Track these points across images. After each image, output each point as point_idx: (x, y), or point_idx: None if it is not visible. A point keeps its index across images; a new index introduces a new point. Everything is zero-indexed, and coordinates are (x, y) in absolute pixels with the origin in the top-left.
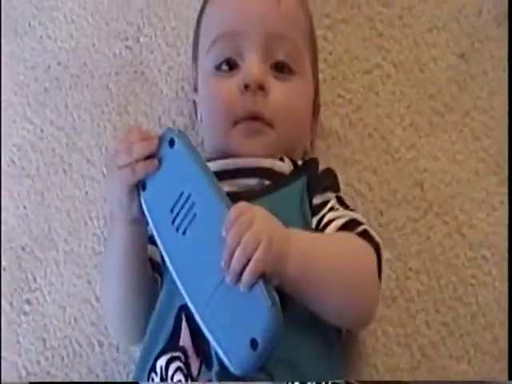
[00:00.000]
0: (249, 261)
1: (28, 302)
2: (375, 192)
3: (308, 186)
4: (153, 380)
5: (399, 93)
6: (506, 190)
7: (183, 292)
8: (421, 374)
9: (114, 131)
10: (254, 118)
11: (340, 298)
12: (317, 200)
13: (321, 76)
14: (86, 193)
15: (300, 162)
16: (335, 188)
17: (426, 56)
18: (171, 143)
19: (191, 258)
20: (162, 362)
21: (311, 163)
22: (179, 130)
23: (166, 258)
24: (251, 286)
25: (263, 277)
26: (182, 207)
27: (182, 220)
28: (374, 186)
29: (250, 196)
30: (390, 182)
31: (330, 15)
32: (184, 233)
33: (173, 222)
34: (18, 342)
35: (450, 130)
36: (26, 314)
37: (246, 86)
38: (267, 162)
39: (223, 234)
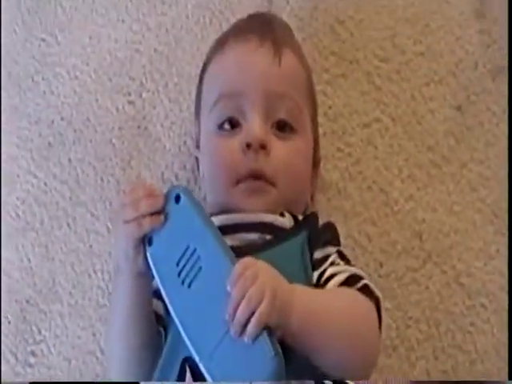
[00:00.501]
0: (253, 313)
1: (33, 353)
2: (375, 243)
3: (309, 241)
4: None
5: (397, 146)
6: (504, 239)
7: (188, 343)
8: None
9: (118, 185)
10: (256, 176)
11: (342, 352)
12: (318, 254)
13: (321, 130)
14: (90, 246)
15: (300, 217)
16: (335, 241)
17: (424, 109)
18: (177, 199)
19: (196, 311)
20: None
21: (311, 218)
22: (184, 187)
23: (171, 310)
24: (255, 338)
25: (267, 328)
26: (187, 261)
27: (188, 273)
28: (374, 238)
29: (251, 250)
30: (390, 233)
31: (329, 70)
32: (189, 286)
33: (178, 275)
34: None
35: (448, 182)
36: (31, 366)
37: (248, 145)
38: (268, 217)
39: (228, 288)
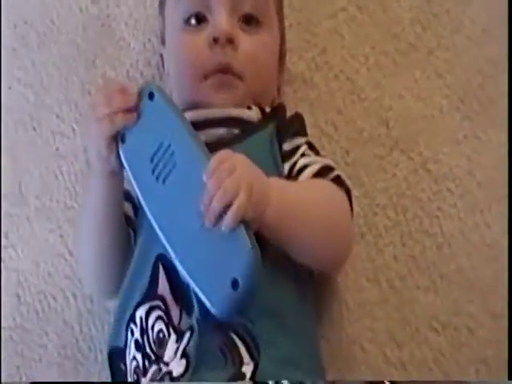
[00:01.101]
0: (228, 206)
1: (1, 259)
2: (341, 132)
3: (277, 132)
4: (132, 331)
5: (364, 34)
6: (471, 124)
7: (162, 239)
8: (390, 306)
9: (83, 86)
10: (224, 70)
11: (317, 241)
12: (287, 146)
13: (286, 22)
14: (57, 149)
15: (268, 109)
16: (303, 132)
17: None
18: (150, 96)
19: (171, 206)
20: (141, 312)
21: (279, 110)
22: (157, 85)
23: (145, 207)
24: (232, 230)
25: (243, 222)
26: (161, 157)
27: (162, 169)
28: (340, 126)
29: (219, 145)
30: (356, 121)
31: None
32: (164, 182)
33: (152, 172)
34: None
35: (414, 69)
36: None
37: (216, 40)
38: (235, 112)
39: (204, 179)
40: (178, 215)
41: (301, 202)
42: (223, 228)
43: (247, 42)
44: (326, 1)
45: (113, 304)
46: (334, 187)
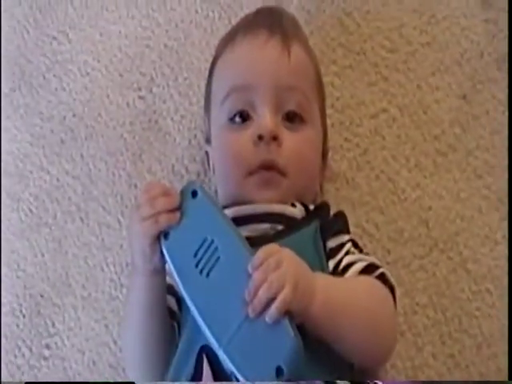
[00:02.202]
0: (273, 299)
1: (48, 346)
2: (383, 231)
3: (321, 230)
4: None
5: (404, 135)
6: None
7: (206, 331)
8: None
9: (129, 179)
10: (268, 167)
11: (361, 337)
12: (331, 243)
13: (329, 121)
14: (103, 240)
15: (311, 207)
16: (347, 230)
17: (430, 99)
18: (194, 194)
19: (214, 299)
20: None
21: (323, 207)
22: (199, 183)
23: (188, 300)
24: (277, 321)
25: (288, 314)
26: (205, 252)
27: (206, 263)
28: (382, 226)
29: (263, 240)
30: (397, 221)
31: (336, 62)
32: (208, 275)
33: (196, 266)
34: None
35: (454, 169)
36: (45, 358)
37: (260, 137)
38: (279, 208)
39: (249, 270)
40: (222, 306)
41: (346, 298)
42: (267, 319)
43: (291, 139)
44: (368, 102)
45: None
46: (378, 284)
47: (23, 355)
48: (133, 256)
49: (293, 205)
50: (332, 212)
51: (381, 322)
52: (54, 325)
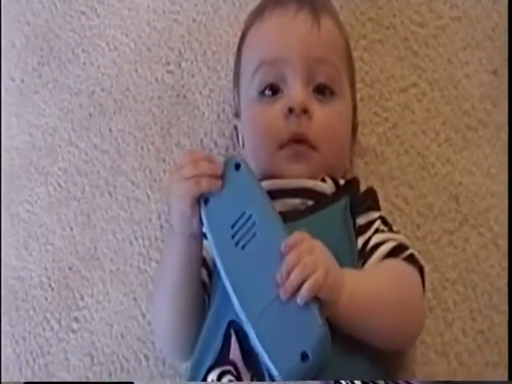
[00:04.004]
0: (305, 281)
1: (76, 319)
2: (412, 206)
3: (351, 206)
4: None
5: (434, 110)
6: None
7: (236, 304)
8: (458, 382)
9: (158, 154)
10: (299, 140)
11: (388, 327)
12: (361, 220)
13: (358, 95)
14: (131, 213)
15: (342, 181)
16: (377, 207)
17: (460, 73)
18: (237, 167)
19: (247, 273)
20: (213, 376)
21: (353, 183)
22: (242, 158)
23: (222, 270)
24: (307, 303)
25: (317, 300)
26: (243, 225)
27: (242, 236)
28: (411, 201)
29: (294, 215)
30: (427, 196)
31: (366, 36)
32: (243, 248)
33: (232, 237)
34: (67, 358)
35: (484, 145)
36: (74, 331)
37: (291, 110)
38: (310, 183)
39: (282, 249)
40: (254, 283)
41: (373, 293)
42: (298, 301)
43: (321, 112)
44: (397, 76)
45: (184, 367)
46: (406, 268)
47: (52, 328)
48: (171, 218)
49: (323, 180)
50: (362, 187)
51: (409, 311)
52: (82, 298)
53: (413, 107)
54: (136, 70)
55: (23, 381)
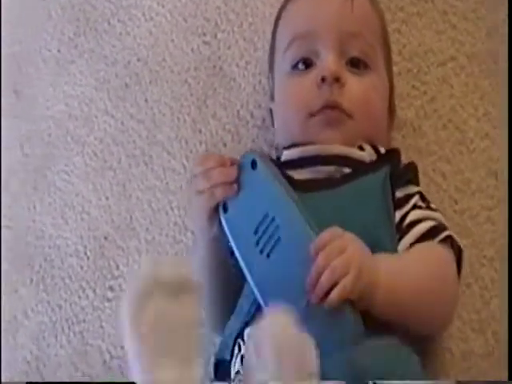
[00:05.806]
0: (335, 284)
1: (111, 288)
2: (450, 181)
3: (391, 177)
4: (239, 346)
5: (473, 84)
6: None
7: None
8: (495, 359)
9: (194, 124)
10: (332, 107)
11: (426, 315)
12: (400, 193)
13: (395, 69)
14: (167, 184)
15: (382, 150)
16: (416, 182)
17: (499, 47)
18: (253, 165)
19: (275, 281)
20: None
21: (394, 153)
22: (260, 152)
23: (250, 279)
24: (337, 308)
25: (349, 301)
26: (266, 229)
27: (267, 242)
28: (449, 176)
29: (330, 183)
30: (464, 171)
31: (404, 9)
32: (268, 256)
33: (256, 244)
34: (102, 327)
35: None
36: (109, 300)
37: (323, 79)
38: (344, 150)
39: (311, 251)
40: (282, 290)
41: (408, 284)
42: (326, 304)
43: (354, 83)
44: (435, 49)
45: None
46: (442, 254)
47: (87, 296)
48: (193, 225)
49: (361, 148)
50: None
51: (444, 299)
52: (117, 267)
53: (451, 81)
54: (172, 41)
55: (25, 381)
